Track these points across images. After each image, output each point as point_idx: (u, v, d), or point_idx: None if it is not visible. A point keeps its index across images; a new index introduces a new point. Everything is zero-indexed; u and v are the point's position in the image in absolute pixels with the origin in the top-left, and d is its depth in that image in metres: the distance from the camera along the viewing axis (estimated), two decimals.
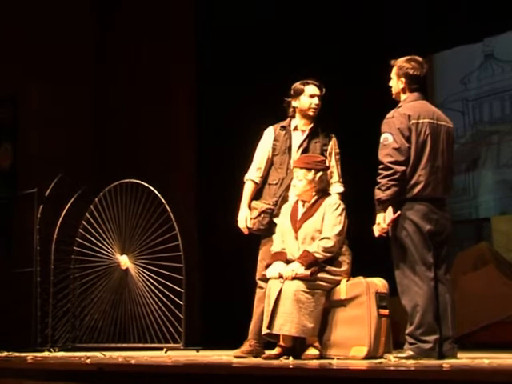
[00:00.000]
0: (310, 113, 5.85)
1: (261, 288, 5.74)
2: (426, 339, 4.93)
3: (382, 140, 5.07)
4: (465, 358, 4.93)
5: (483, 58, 9.85)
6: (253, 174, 5.93)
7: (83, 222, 7.72)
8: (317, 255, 5.37)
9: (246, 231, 5.90)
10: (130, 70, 10.02)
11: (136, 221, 7.42)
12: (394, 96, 5.32)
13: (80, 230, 7.73)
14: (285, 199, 5.80)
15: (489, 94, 9.82)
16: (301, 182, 5.56)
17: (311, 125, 5.88)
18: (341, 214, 5.52)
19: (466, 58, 9.96)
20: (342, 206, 5.57)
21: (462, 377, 3.55)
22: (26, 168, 9.29)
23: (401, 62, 5.24)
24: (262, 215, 5.81)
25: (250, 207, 5.90)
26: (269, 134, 5.95)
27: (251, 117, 9.24)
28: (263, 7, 9.56)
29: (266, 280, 5.55)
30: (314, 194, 5.59)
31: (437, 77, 10.16)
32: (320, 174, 5.58)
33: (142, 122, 9.83)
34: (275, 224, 5.77)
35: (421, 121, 5.09)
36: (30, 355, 6.02)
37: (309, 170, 5.55)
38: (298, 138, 5.88)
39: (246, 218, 5.87)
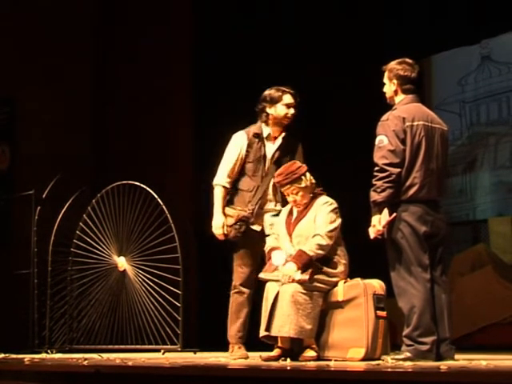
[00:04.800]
0: (285, 122, 5.81)
1: (242, 293, 5.76)
2: (423, 341, 4.93)
3: (377, 142, 5.07)
4: (462, 360, 4.93)
5: (480, 60, 9.85)
6: (223, 180, 5.81)
7: (81, 223, 7.72)
8: (310, 253, 5.36)
9: (222, 237, 5.86)
10: (130, 71, 10.01)
11: (134, 222, 7.42)
12: (388, 100, 5.32)
13: (77, 232, 7.73)
14: (261, 206, 5.78)
15: (486, 95, 9.82)
16: (299, 193, 5.55)
17: (283, 133, 5.85)
18: (332, 211, 5.51)
19: (463, 59, 9.96)
20: (335, 205, 5.56)
21: (460, 378, 3.56)
22: (24, 170, 9.29)
23: (391, 65, 5.25)
24: (239, 223, 5.77)
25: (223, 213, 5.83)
26: (241, 140, 5.84)
27: (250, 119, 9.26)
28: (262, 8, 9.57)
29: (247, 286, 5.67)
30: (310, 195, 5.60)
31: (434, 78, 10.16)
32: (308, 174, 5.60)
33: (141, 124, 9.83)
34: (252, 230, 5.75)
35: (415, 123, 5.09)
36: (27, 357, 6.01)
37: (300, 178, 5.55)
38: (270, 147, 5.84)
39: (223, 225, 5.81)
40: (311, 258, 5.36)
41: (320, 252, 5.40)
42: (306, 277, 5.30)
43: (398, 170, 5.00)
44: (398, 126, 5.04)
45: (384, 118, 5.13)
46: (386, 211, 5.00)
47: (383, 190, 4.96)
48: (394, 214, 5.00)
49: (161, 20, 9.95)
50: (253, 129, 5.87)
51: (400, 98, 5.23)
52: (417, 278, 4.99)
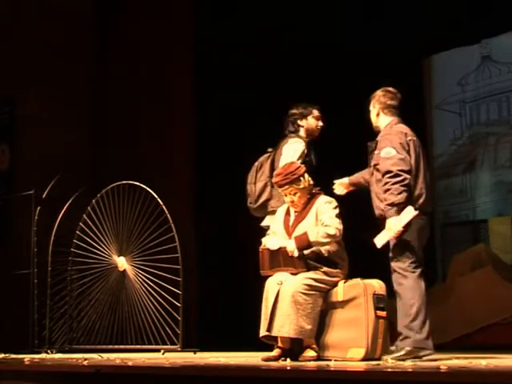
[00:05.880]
0: (316, 133, 6.17)
1: None
2: (421, 330, 5.07)
3: (383, 154, 5.25)
4: (462, 360, 4.93)
5: (480, 60, 9.85)
6: None
7: (81, 223, 7.72)
8: (312, 238, 5.39)
9: None
10: (129, 72, 10.01)
11: (133, 222, 7.41)
12: (373, 126, 5.57)
13: (77, 232, 7.73)
14: None
15: (486, 95, 9.81)
16: (297, 194, 5.57)
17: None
18: (336, 209, 5.55)
19: (464, 59, 9.95)
20: (336, 203, 5.60)
21: (460, 378, 3.56)
22: (24, 170, 9.28)
23: (376, 92, 5.56)
24: None
25: None
26: (303, 148, 6.03)
27: (250, 121, 9.26)
28: (264, 5, 9.57)
29: None
30: (308, 196, 5.62)
31: (434, 78, 10.16)
32: (306, 175, 5.62)
33: (141, 125, 9.83)
34: None
35: (414, 138, 5.36)
36: (27, 357, 6.03)
37: (299, 179, 5.56)
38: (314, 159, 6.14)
39: None
40: (310, 242, 5.40)
41: (325, 240, 5.40)
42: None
43: (409, 176, 5.20)
44: (402, 139, 5.29)
45: (385, 133, 5.37)
46: (410, 208, 5.10)
47: (400, 193, 5.12)
48: (417, 212, 5.11)
49: (161, 22, 9.93)
50: (304, 137, 6.11)
51: (383, 120, 5.49)
52: (417, 279, 5.15)
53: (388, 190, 5.14)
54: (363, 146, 5.79)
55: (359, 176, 5.75)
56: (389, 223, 5.13)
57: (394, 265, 5.22)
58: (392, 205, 5.11)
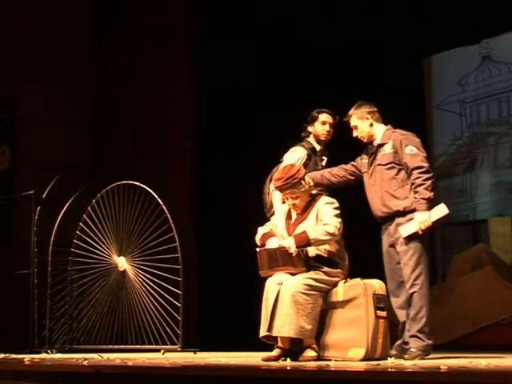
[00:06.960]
0: (322, 138, 6.21)
1: None
2: (430, 336, 5.31)
3: (408, 151, 5.45)
4: (462, 360, 4.93)
5: (480, 60, 9.83)
6: None
7: (81, 223, 7.72)
8: (311, 236, 5.37)
9: None
10: (129, 72, 10.01)
11: (133, 222, 7.41)
12: (366, 139, 5.68)
13: (77, 232, 7.72)
14: None
15: (486, 95, 9.80)
16: (299, 197, 5.56)
17: (325, 151, 6.25)
18: (336, 209, 5.55)
19: (464, 59, 9.94)
20: (337, 204, 5.59)
21: (460, 378, 3.56)
22: (24, 170, 9.28)
23: (354, 110, 5.72)
24: None
25: None
26: (301, 155, 6.10)
27: (250, 121, 9.26)
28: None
29: None
30: (309, 198, 5.62)
31: (434, 78, 10.15)
32: (306, 178, 5.61)
33: (140, 124, 9.82)
34: None
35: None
36: (27, 357, 6.02)
37: (300, 183, 5.56)
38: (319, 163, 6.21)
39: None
40: (309, 240, 5.38)
41: (324, 238, 5.40)
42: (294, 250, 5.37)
43: None
44: (418, 140, 5.54)
45: (402, 133, 5.56)
46: (443, 206, 5.34)
47: (432, 189, 5.37)
48: (449, 212, 5.34)
49: (161, 22, 9.93)
50: (308, 144, 6.20)
51: (379, 128, 5.64)
52: (428, 279, 5.40)
53: (421, 184, 5.34)
54: (360, 146, 5.80)
55: (317, 174, 5.84)
56: (418, 216, 5.31)
57: (409, 261, 5.38)
58: (428, 199, 5.32)
